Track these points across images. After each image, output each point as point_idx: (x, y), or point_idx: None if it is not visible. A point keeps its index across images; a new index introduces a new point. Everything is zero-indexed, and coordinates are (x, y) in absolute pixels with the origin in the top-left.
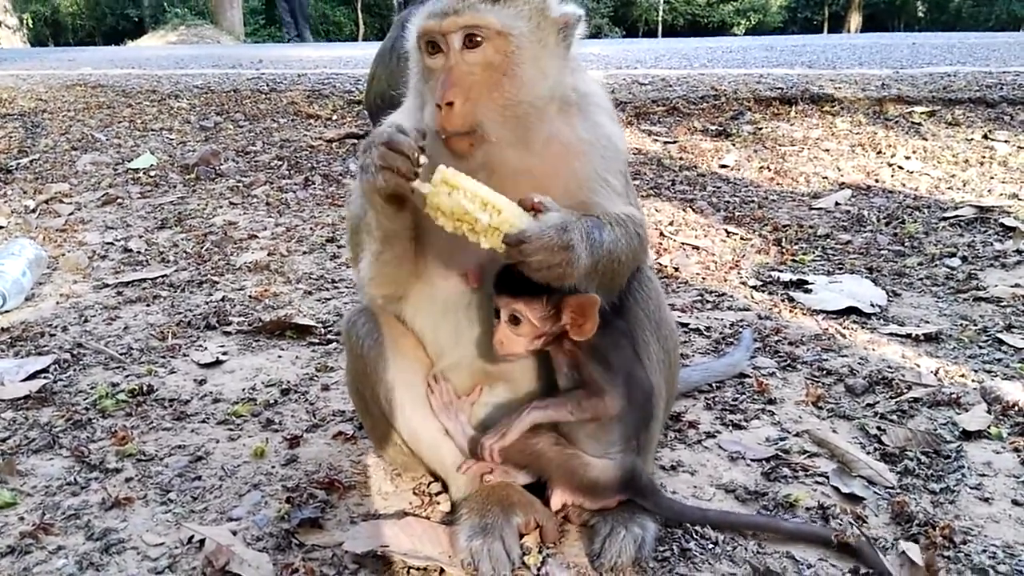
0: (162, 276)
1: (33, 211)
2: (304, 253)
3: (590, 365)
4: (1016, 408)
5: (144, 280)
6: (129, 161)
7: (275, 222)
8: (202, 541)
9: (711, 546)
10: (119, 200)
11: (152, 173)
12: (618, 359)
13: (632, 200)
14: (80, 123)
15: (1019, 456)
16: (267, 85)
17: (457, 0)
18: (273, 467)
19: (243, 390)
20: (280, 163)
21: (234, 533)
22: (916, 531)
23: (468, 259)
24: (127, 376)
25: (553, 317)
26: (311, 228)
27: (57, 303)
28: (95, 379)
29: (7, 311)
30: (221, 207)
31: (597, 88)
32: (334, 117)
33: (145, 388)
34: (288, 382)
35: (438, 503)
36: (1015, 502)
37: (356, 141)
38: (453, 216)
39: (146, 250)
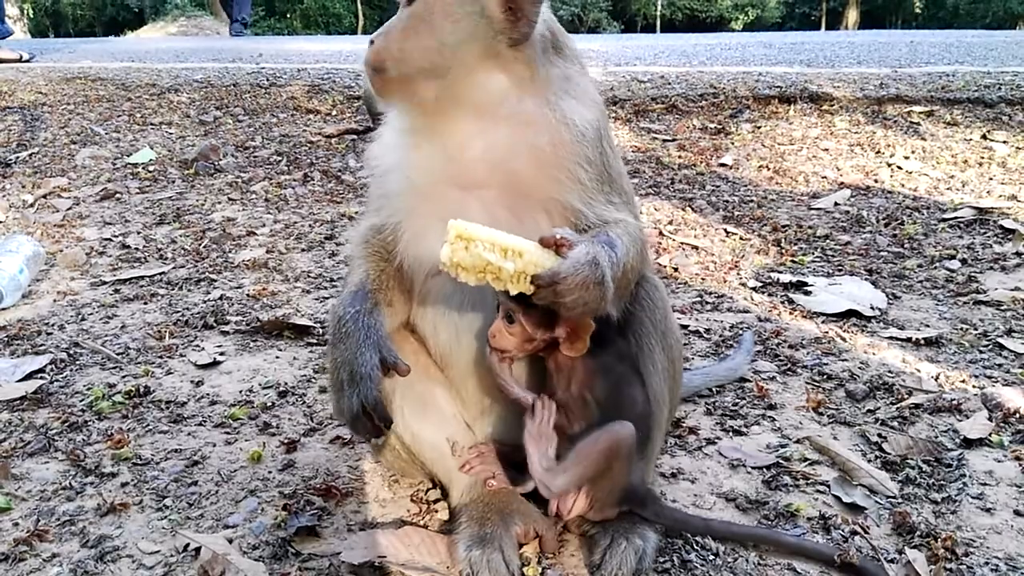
0: (160, 273)
1: (31, 206)
2: (303, 251)
3: (577, 388)
4: (1017, 415)
5: (142, 277)
6: (128, 155)
7: (274, 218)
8: (198, 549)
9: (712, 557)
10: (118, 195)
11: (151, 168)
12: (607, 388)
13: (630, 199)
14: (80, 116)
15: (1020, 465)
16: (267, 80)
17: None
18: (270, 472)
19: (240, 392)
20: (279, 159)
21: (230, 541)
22: (918, 542)
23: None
24: (124, 377)
25: (546, 326)
26: (310, 225)
27: (54, 300)
28: (92, 379)
29: (4, 308)
30: (220, 203)
31: (581, 79)
32: (333, 112)
33: (142, 389)
34: (285, 384)
35: (436, 511)
36: (1017, 512)
37: (355, 137)
38: (475, 270)
39: (144, 246)
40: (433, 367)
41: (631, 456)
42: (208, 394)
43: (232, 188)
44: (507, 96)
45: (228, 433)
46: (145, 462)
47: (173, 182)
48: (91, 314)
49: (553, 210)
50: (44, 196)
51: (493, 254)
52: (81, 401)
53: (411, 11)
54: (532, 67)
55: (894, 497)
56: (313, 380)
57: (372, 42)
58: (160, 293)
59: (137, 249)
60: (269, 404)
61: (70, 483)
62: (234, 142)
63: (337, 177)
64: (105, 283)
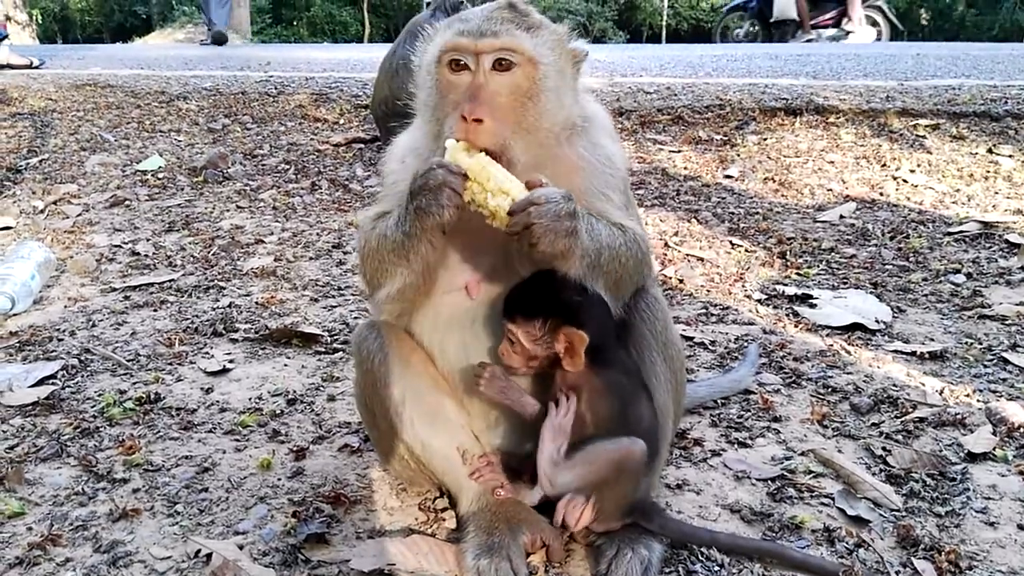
0: (169, 281)
1: (41, 212)
2: (311, 259)
3: (585, 405)
4: (1021, 430)
5: (151, 284)
6: (137, 163)
7: (282, 227)
8: (209, 555)
9: (717, 569)
10: (127, 202)
11: (160, 175)
12: (614, 405)
13: (633, 215)
14: (89, 123)
15: None
16: (275, 88)
17: (491, 22)
18: (279, 480)
19: (249, 399)
20: (287, 167)
21: (240, 547)
22: (922, 555)
23: (468, 272)
24: (134, 383)
25: (545, 344)
26: (317, 233)
27: (65, 307)
28: (103, 385)
29: (16, 314)
30: (228, 211)
31: (599, 109)
32: (341, 121)
33: (152, 396)
34: (294, 392)
35: (444, 519)
36: (1020, 527)
37: (362, 146)
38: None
39: (153, 253)
40: (441, 379)
41: (639, 472)
42: (218, 401)
43: (240, 196)
44: (567, 139)
45: (237, 440)
46: (156, 468)
47: (182, 189)
48: (101, 320)
49: None
50: (54, 202)
51: (485, 194)
52: (93, 407)
53: (508, 84)
54: (581, 111)
55: (898, 510)
56: (322, 388)
57: (477, 120)
58: (170, 300)
59: (147, 256)
60: (278, 412)
61: (83, 488)
62: (242, 150)
63: (344, 186)
64: (115, 290)
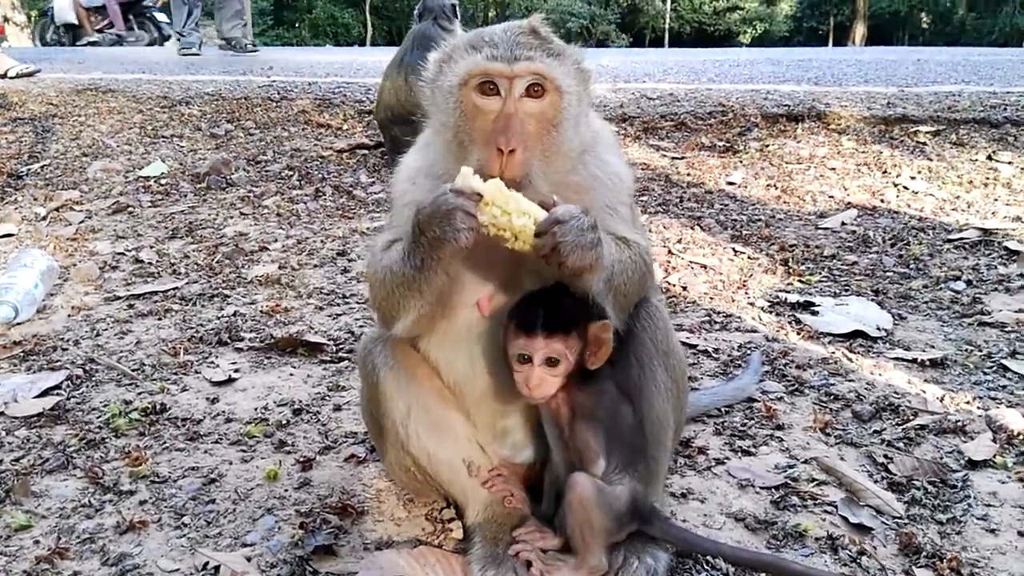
0: (173, 288)
1: (43, 219)
2: (315, 266)
3: (576, 422)
4: (1021, 437)
5: (155, 293)
6: (140, 168)
7: (286, 234)
8: (217, 568)
9: None
10: (130, 208)
11: (163, 181)
12: (603, 408)
13: (638, 228)
14: (91, 128)
15: None
16: (277, 93)
17: (521, 47)
18: (286, 490)
19: (255, 409)
20: (291, 173)
21: (248, 559)
22: (924, 563)
23: (479, 289)
24: (140, 394)
25: (579, 351)
26: (321, 241)
27: (68, 315)
28: (108, 396)
29: (19, 323)
30: (232, 217)
31: (603, 125)
32: (344, 127)
33: (158, 407)
34: (300, 401)
35: (451, 530)
36: (1021, 533)
37: (366, 152)
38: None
39: (157, 261)
40: (447, 391)
41: (600, 491)
42: (223, 411)
43: (244, 203)
44: (578, 156)
45: (244, 451)
46: (163, 480)
47: (185, 196)
48: (106, 329)
49: None
50: (56, 209)
51: (506, 216)
52: (98, 418)
53: (537, 111)
54: (590, 127)
55: (900, 518)
56: (328, 398)
57: (511, 151)
58: (174, 309)
59: (150, 264)
60: (284, 422)
61: (89, 501)
62: (245, 156)
63: (349, 192)
64: (119, 298)
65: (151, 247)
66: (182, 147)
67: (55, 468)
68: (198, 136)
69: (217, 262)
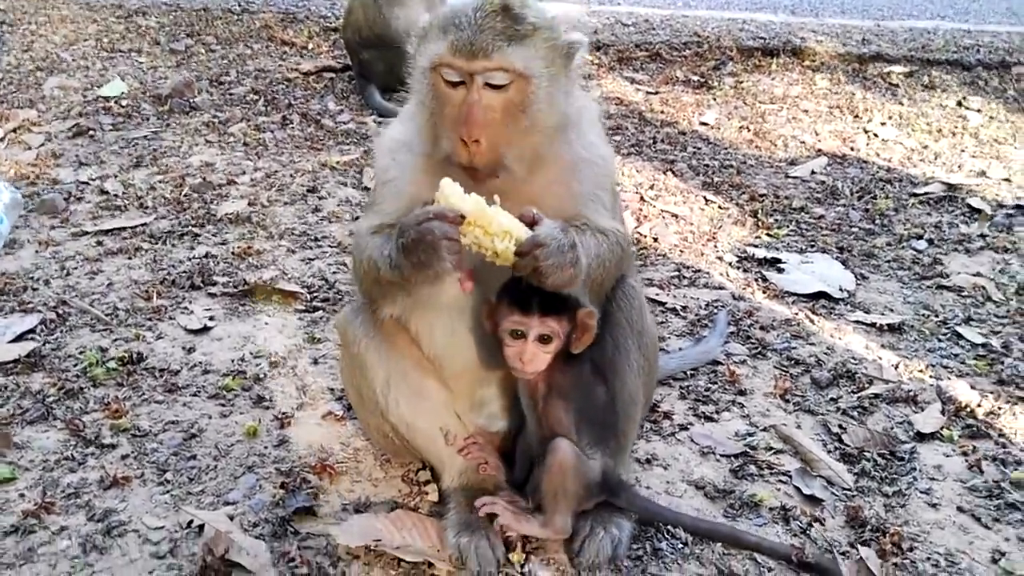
0: (142, 225)
1: (0, 140)
2: (285, 204)
3: (551, 398)
4: (968, 409)
5: (123, 229)
6: (99, 87)
7: (254, 166)
8: (201, 526)
9: (681, 546)
10: (91, 132)
11: (124, 102)
12: (576, 385)
13: (617, 214)
14: (43, 39)
15: (966, 460)
16: (239, 4)
17: (484, 34)
18: (266, 448)
19: (232, 361)
20: (256, 97)
21: (231, 518)
22: (868, 537)
23: (461, 265)
24: (115, 340)
25: (567, 332)
26: (291, 175)
27: (36, 252)
28: (83, 342)
29: None
30: (197, 145)
31: (589, 101)
32: (310, 45)
33: (134, 356)
34: (276, 353)
35: (426, 493)
36: (959, 508)
37: (333, 75)
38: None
39: (123, 193)
40: (426, 361)
41: (579, 459)
42: (200, 362)
43: (209, 129)
44: (560, 136)
45: (223, 405)
46: (144, 434)
47: (147, 119)
48: (75, 268)
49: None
50: (14, 130)
51: (489, 237)
52: (75, 366)
53: (502, 100)
54: (573, 104)
55: (849, 489)
56: (303, 350)
57: (476, 141)
58: (144, 247)
59: (116, 196)
60: (261, 375)
61: (72, 454)
62: (208, 76)
63: (317, 121)
64: (87, 233)
65: (115, 176)
66: (141, 63)
67: (36, 419)
68: (157, 51)
69: (185, 195)
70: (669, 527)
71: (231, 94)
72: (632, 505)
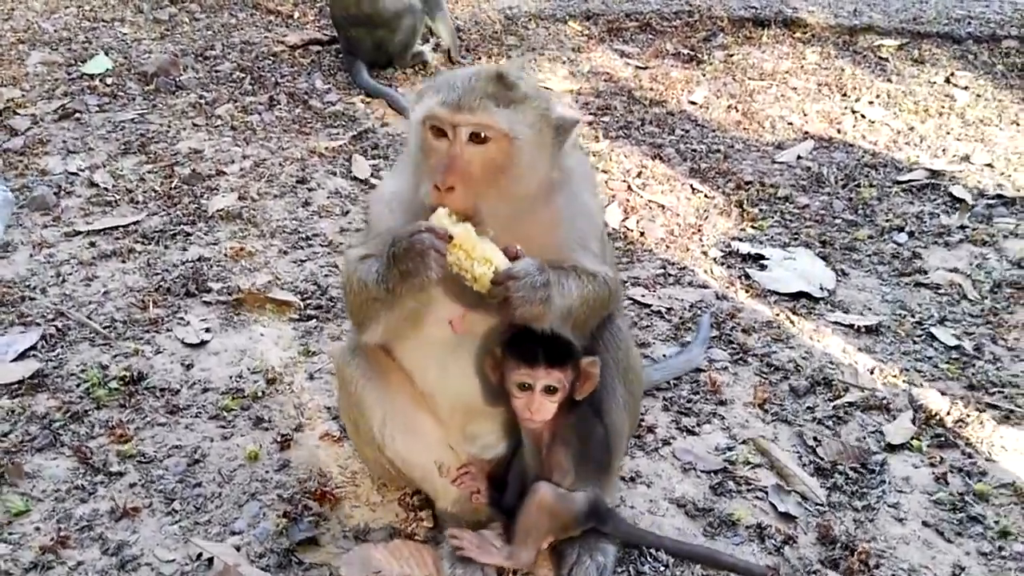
0: (134, 223)
1: None
2: (275, 197)
3: (555, 444)
4: (937, 418)
5: (116, 228)
6: (82, 62)
7: (242, 152)
8: (210, 560)
9: (663, 568)
10: (77, 115)
11: (108, 80)
12: (576, 426)
13: (607, 258)
14: (23, 6)
15: (933, 472)
16: None
17: (472, 94)
18: (267, 472)
19: (230, 378)
20: (243, 75)
21: (238, 548)
22: (837, 554)
23: (452, 309)
24: (115, 356)
25: (572, 371)
26: (280, 163)
27: (31, 255)
28: (84, 358)
29: None
30: (184, 129)
31: (580, 162)
32: (295, 14)
33: (135, 375)
34: (273, 369)
35: (422, 519)
36: (924, 523)
37: (320, 49)
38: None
39: (113, 185)
40: (420, 397)
41: (558, 500)
42: (199, 380)
43: (195, 111)
44: (546, 194)
45: (224, 427)
46: (149, 460)
47: (134, 99)
48: (71, 274)
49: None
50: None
51: (470, 261)
52: (78, 386)
53: (483, 155)
54: (560, 167)
55: (822, 504)
56: (299, 364)
57: (450, 188)
58: (137, 249)
59: (106, 189)
60: (259, 393)
61: (81, 483)
62: (193, 50)
63: (304, 102)
64: (79, 233)
65: (104, 166)
66: (124, 35)
67: (44, 446)
68: (140, 21)
69: (175, 188)
70: (652, 550)
71: (217, 71)
72: (618, 532)
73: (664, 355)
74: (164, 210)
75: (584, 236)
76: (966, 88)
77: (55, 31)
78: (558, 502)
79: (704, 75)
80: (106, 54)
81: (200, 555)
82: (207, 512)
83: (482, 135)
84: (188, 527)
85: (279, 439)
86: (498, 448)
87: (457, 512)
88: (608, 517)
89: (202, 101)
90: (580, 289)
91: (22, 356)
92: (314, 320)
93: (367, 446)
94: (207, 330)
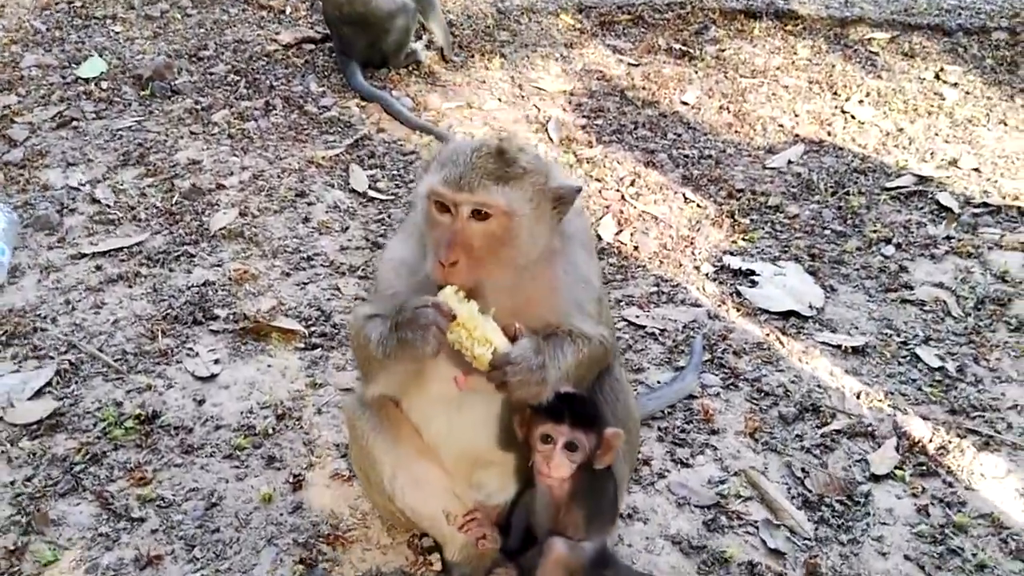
0: (137, 244)
1: None
2: (275, 212)
3: (572, 504)
4: (920, 446)
5: (120, 250)
6: (76, 64)
7: (240, 163)
8: None
9: None
10: (75, 123)
11: (104, 85)
12: (591, 497)
13: (603, 319)
14: (13, 3)
15: (915, 503)
16: None
17: (474, 172)
18: (282, 515)
19: (241, 413)
20: (237, 79)
21: None
22: None
23: (456, 366)
24: (128, 392)
25: (595, 437)
26: (278, 175)
27: (39, 281)
28: (98, 394)
29: None
30: (182, 137)
31: (579, 227)
32: (287, 9)
33: (150, 414)
34: (282, 403)
35: (431, 563)
36: (906, 556)
37: (314, 47)
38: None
39: (115, 201)
40: (428, 449)
41: (571, 549)
42: (212, 416)
43: (192, 117)
44: (546, 260)
45: (237, 467)
46: (168, 504)
47: (129, 105)
48: (79, 301)
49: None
50: None
51: (471, 341)
52: (95, 425)
53: (484, 231)
54: (561, 233)
55: (809, 539)
56: (307, 398)
57: (453, 264)
58: (142, 273)
59: (108, 206)
60: (270, 431)
61: (105, 531)
62: (186, 50)
63: (300, 107)
64: (84, 255)
65: (105, 179)
66: (117, 34)
67: (66, 491)
68: (132, 18)
69: (176, 204)
70: None
71: (211, 73)
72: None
73: (658, 382)
74: (167, 228)
75: (581, 300)
76: (955, 85)
77: (47, 30)
78: (571, 555)
79: (696, 72)
80: (100, 55)
81: None
82: (227, 559)
83: (483, 212)
84: (209, 575)
85: (291, 479)
86: (503, 495)
87: (464, 557)
88: (611, 563)
89: (198, 107)
90: (576, 355)
91: (38, 394)
92: (319, 349)
93: (378, 495)
94: (216, 361)
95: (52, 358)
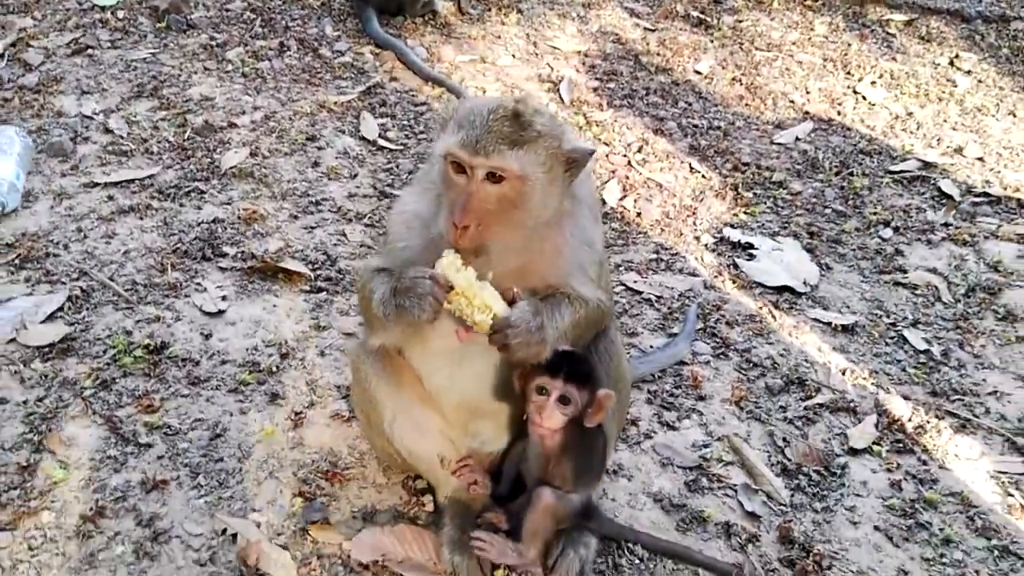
0: (149, 177)
1: (1, 56)
2: (285, 155)
3: (563, 456)
4: (898, 424)
5: (132, 181)
6: None
7: (252, 103)
8: (235, 535)
9: (637, 562)
10: (90, 51)
11: (120, 15)
12: (581, 450)
13: (602, 283)
14: None
15: (889, 477)
16: None
17: (489, 136)
18: (282, 450)
19: (246, 350)
20: (253, 16)
21: (258, 525)
22: (795, 555)
23: (458, 324)
24: (138, 322)
25: (588, 395)
26: (289, 117)
27: (52, 207)
28: (108, 322)
29: (6, 214)
30: (196, 72)
31: (587, 191)
32: None
33: (158, 344)
34: (286, 342)
35: (423, 504)
36: (876, 527)
37: None
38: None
39: (128, 133)
40: (428, 396)
41: (559, 499)
42: (218, 351)
43: (206, 53)
44: (555, 223)
45: (241, 401)
46: (174, 432)
47: (145, 36)
48: (91, 229)
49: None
50: (13, 44)
51: (471, 308)
52: (104, 352)
53: (497, 193)
54: (572, 195)
55: (785, 505)
56: (311, 339)
57: (465, 227)
58: (153, 206)
59: (121, 137)
60: (274, 368)
61: (113, 454)
62: None
63: (314, 49)
64: (97, 185)
65: (118, 109)
66: None
67: (77, 414)
68: None
69: (188, 140)
70: (630, 544)
71: (227, 10)
72: (602, 528)
73: (651, 347)
74: (178, 163)
75: (584, 263)
76: (969, 72)
77: None
78: (559, 504)
79: (712, 41)
80: None
81: (225, 530)
82: (229, 488)
83: (497, 175)
84: (213, 502)
85: (293, 416)
86: (497, 444)
87: (456, 500)
88: (594, 515)
89: (213, 43)
90: (573, 316)
91: (50, 317)
92: (324, 292)
93: (377, 436)
94: (223, 298)
95: (64, 284)
